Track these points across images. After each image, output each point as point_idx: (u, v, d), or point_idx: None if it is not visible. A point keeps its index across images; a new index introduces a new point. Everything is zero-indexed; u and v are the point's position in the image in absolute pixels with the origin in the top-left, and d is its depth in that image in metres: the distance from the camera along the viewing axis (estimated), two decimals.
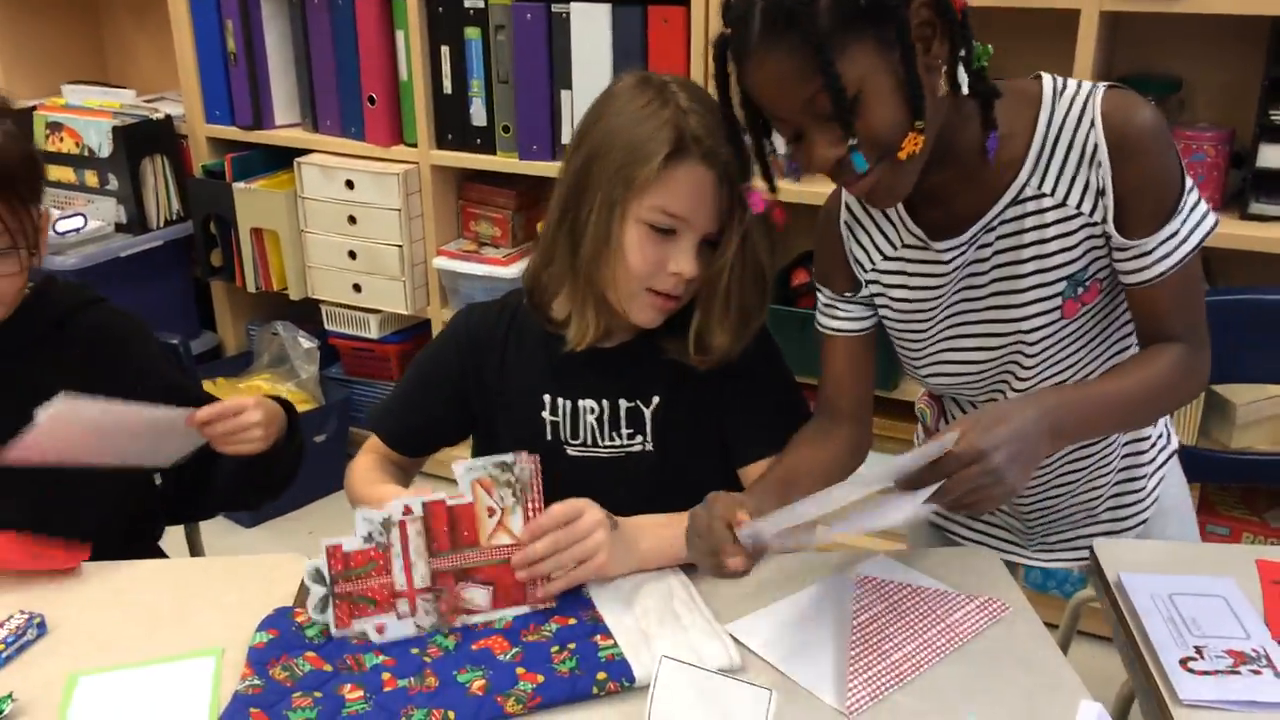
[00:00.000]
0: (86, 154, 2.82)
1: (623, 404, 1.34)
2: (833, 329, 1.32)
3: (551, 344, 1.34)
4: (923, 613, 1.15)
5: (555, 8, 2.36)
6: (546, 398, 1.35)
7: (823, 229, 1.33)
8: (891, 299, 1.29)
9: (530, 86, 2.44)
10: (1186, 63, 2.13)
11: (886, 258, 1.27)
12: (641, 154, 1.20)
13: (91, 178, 2.81)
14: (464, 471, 1.15)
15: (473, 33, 2.47)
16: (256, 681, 1.05)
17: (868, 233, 1.28)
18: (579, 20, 2.34)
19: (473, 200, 2.69)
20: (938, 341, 1.30)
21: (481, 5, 2.43)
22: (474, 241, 2.70)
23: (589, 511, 1.18)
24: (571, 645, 1.10)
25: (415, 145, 2.62)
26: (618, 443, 1.35)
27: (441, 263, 2.67)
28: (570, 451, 1.36)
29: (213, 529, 1.65)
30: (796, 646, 1.11)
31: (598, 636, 1.11)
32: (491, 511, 1.15)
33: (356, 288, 2.75)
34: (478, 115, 2.53)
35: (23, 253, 1.30)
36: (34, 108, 2.91)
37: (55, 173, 2.85)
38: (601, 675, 1.05)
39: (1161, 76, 2.12)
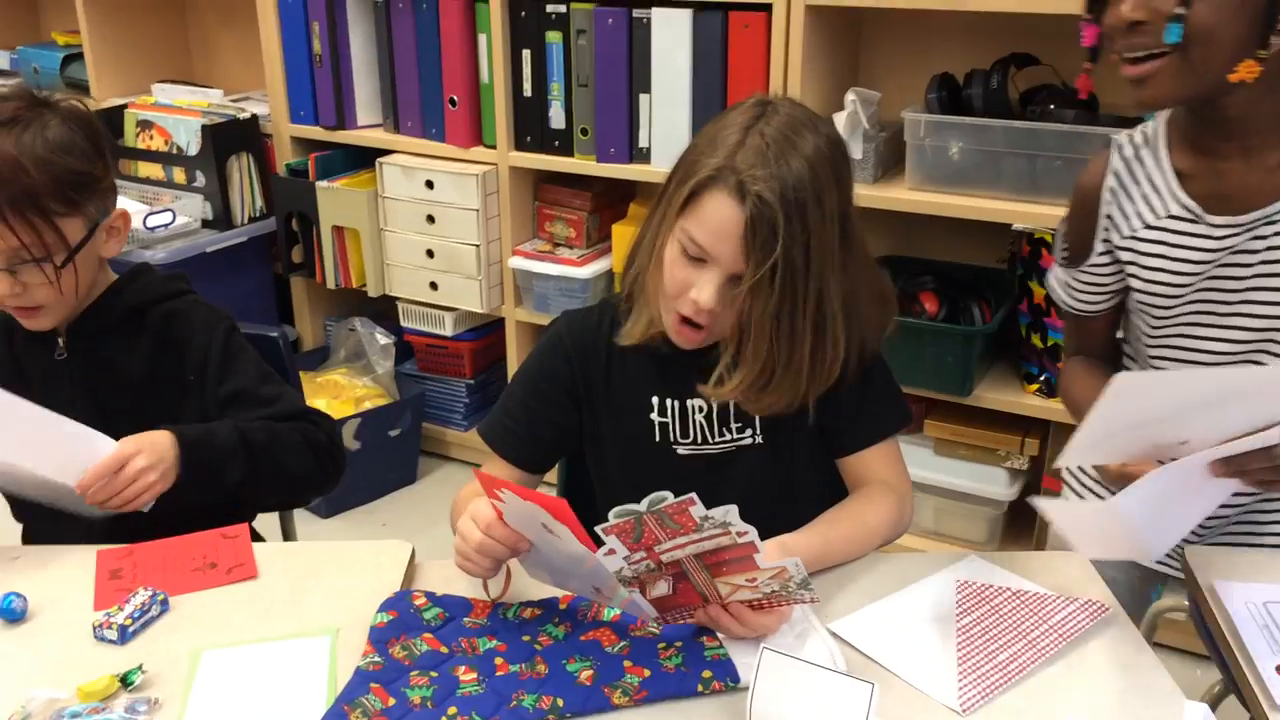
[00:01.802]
0: (175, 151, 2.90)
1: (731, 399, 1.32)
2: (1079, 310, 1.40)
3: (655, 346, 1.32)
4: (1025, 614, 1.16)
5: (636, 13, 2.39)
6: (654, 399, 1.34)
7: (1077, 202, 1.35)
8: (1143, 268, 1.29)
9: (609, 90, 2.47)
10: None
11: (1148, 226, 1.28)
12: (688, 174, 1.18)
13: (180, 174, 2.89)
14: (793, 566, 1.06)
15: (554, 37, 2.51)
16: (377, 659, 1.09)
17: (1132, 200, 1.29)
18: (660, 25, 2.37)
19: (549, 201, 2.73)
20: (1179, 324, 1.30)
21: (563, 10, 2.47)
22: (549, 242, 2.74)
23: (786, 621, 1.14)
24: (679, 643, 1.12)
25: (494, 147, 2.66)
26: (728, 438, 1.34)
27: (517, 262, 2.71)
28: (680, 451, 1.35)
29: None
30: (901, 645, 1.13)
31: (704, 636, 1.13)
32: (752, 582, 1.08)
33: (433, 286, 2.81)
34: (556, 118, 2.57)
35: (47, 266, 1.31)
36: (125, 105, 3.00)
37: (144, 169, 2.94)
38: (707, 674, 1.07)
39: None
